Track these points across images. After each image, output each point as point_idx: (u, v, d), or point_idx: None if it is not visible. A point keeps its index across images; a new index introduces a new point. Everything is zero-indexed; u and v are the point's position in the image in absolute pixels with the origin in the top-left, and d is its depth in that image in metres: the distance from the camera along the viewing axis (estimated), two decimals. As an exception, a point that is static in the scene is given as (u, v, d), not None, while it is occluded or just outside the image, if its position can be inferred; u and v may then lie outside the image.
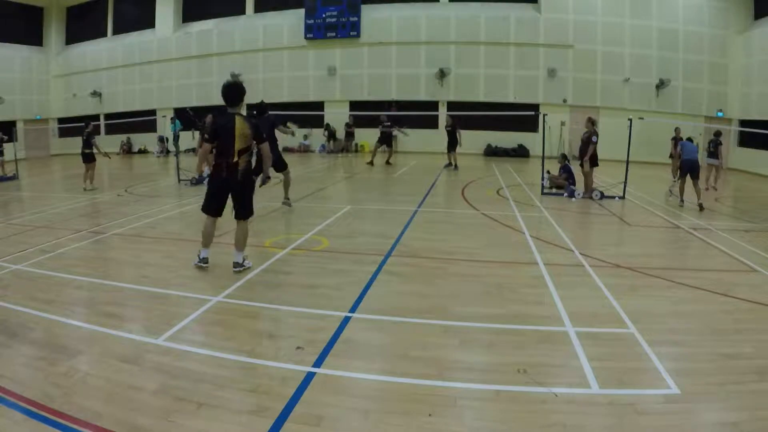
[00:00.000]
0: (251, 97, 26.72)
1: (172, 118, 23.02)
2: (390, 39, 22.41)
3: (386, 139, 17.08)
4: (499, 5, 21.69)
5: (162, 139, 21.16)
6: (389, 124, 17.11)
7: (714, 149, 12.67)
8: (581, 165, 10.75)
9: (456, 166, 16.06)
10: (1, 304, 4.40)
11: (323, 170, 16.98)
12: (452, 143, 16.17)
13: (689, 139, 10.93)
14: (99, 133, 11.28)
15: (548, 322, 4.13)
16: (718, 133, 12.82)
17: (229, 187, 5.27)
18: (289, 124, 9.20)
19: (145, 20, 25.36)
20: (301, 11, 22.95)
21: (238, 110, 5.33)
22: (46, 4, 26.33)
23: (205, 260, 5.43)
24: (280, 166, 8.69)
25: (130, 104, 25.79)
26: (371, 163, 16.93)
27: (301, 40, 23.13)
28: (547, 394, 3.02)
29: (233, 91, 5.30)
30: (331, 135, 23.49)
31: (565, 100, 21.31)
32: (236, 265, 5.34)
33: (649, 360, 3.44)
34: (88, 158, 11.58)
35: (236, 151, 5.16)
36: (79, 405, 2.85)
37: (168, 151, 23.27)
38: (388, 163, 17.34)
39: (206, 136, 5.40)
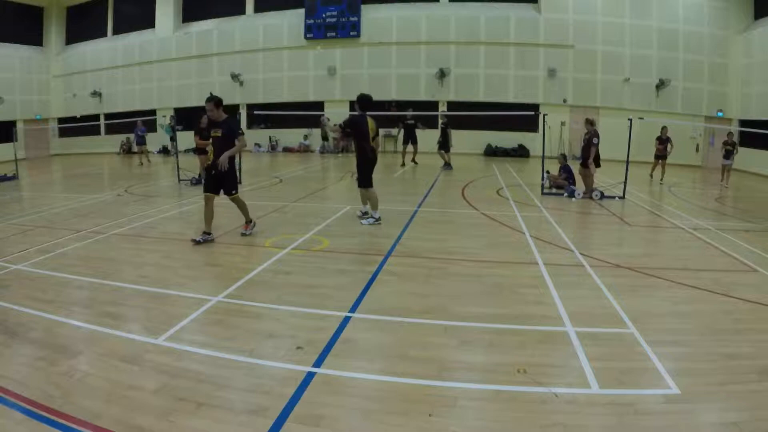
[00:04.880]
0: (252, 98, 26.69)
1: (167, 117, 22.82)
2: (390, 39, 22.40)
3: (411, 135, 16.64)
4: (499, 5, 21.68)
5: (140, 141, 19.89)
6: (413, 121, 16.67)
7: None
8: (585, 165, 10.70)
9: (449, 164, 16.12)
10: (1, 304, 4.41)
11: (323, 170, 16.98)
12: (446, 142, 16.14)
13: None
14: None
15: (548, 322, 4.13)
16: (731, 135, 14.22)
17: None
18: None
19: (145, 20, 25.33)
20: (301, 11, 22.94)
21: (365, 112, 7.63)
22: (46, 4, 26.31)
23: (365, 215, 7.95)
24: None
25: (130, 104, 25.77)
26: (403, 164, 16.71)
27: (301, 40, 23.12)
28: (547, 394, 3.02)
29: (362, 101, 7.68)
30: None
31: (565, 100, 21.30)
32: (360, 213, 8.08)
33: (649, 360, 3.44)
34: None
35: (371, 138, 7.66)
36: (79, 405, 2.85)
37: (167, 151, 23.24)
38: (414, 162, 16.87)
39: (342, 125, 7.91)
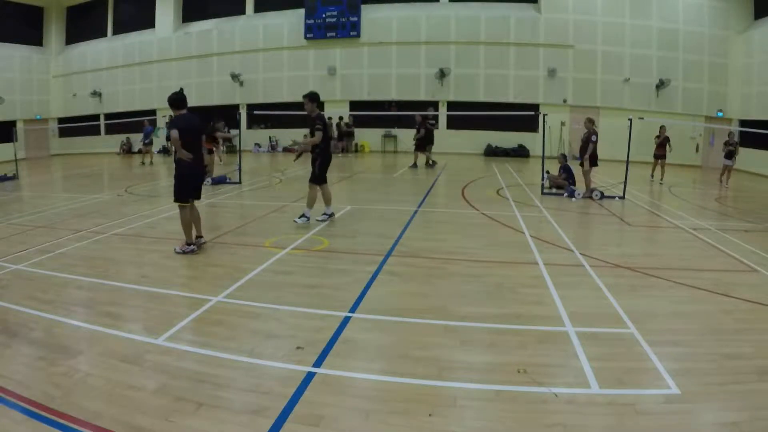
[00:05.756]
0: (252, 98, 26.72)
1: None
2: (390, 39, 22.40)
3: (431, 136, 16.05)
4: (499, 5, 21.68)
5: (148, 141, 20.00)
6: (434, 122, 15.98)
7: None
8: (581, 164, 10.76)
9: (414, 164, 16.02)
10: (1, 304, 4.41)
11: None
12: (428, 140, 16.00)
13: None
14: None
15: (548, 322, 4.13)
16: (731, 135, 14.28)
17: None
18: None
19: (145, 20, 25.34)
20: (301, 11, 22.94)
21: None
22: (46, 4, 26.31)
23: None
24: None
25: (130, 104, 25.77)
26: (433, 162, 16.48)
27: (301, 40, 23.12)
28: (547, 394, 3.02)
29: (318, 98, 7.48)
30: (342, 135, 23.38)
31: (565, 100, 21.30)
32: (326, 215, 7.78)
33: (649, 360, 3.44)
34: None
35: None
36: (79, 405, 2.85)
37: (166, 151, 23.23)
38: (429, 163, 16.29)
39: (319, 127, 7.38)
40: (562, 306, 4.42)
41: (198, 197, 6.38)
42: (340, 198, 10.86)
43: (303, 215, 7.60)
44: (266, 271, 5.42)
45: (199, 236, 6.36)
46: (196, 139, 6.23)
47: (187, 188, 6.20)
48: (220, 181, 12.43)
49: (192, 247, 6.13)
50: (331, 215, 7.88)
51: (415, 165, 16.14)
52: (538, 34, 21.19)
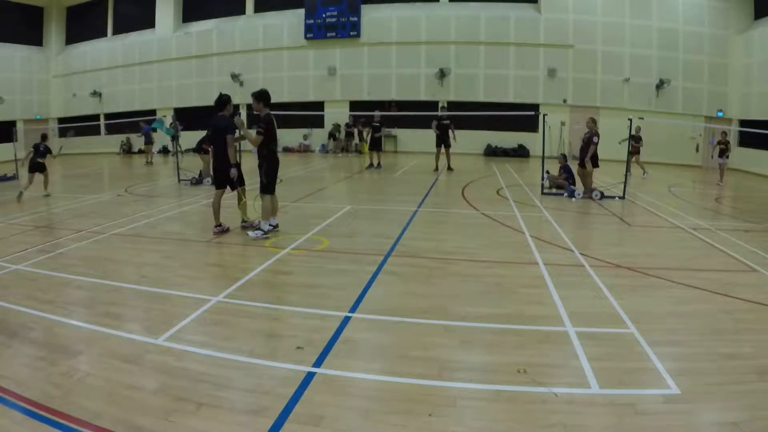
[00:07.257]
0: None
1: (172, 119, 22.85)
2: (390, 39, 22.41)
3: (445, 137, 15.12)
4: (499, 5, 21.68)
5: (148, 140, 19.62)
6: (448, 122, 15.28)
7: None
8: (582, 165, 10.71)
9: (378, 165, 16.03)
10: (1, 304, 4.41)
11: (323, 170, 16.98)
12: (379, 142, 16.08)
13: None
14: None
15: (548, 322, 4.13)
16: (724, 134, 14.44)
17: None
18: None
19: (145, 20, 25.34)
20: (301, 11, 22.95)
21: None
22: (46, 4, 26.32)
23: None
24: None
25: (130, 104, 25.77)
26: (436, 168, 15.48)
27: (301, 40, 23.13)
28: (547, 394, 3.02)
29: (267, 98, 6.99)
30: (331, 135, 23.50)
31: (565, 100, 21.30)
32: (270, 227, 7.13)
33: (649, 360, 3.44)
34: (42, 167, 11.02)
35: None
36: (79, 405, 2.85)
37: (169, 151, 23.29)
38: (450, 168, 15.27)
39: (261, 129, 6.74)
40: (562, 306, 4.42)
41: (225, 187, 7.24)
42: (340, 198, 10.88)
43: (258, 228, 6.87)
44: (266, 271, 5.42)
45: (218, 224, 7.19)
46: (216, 138, 7.12)
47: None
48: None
49: (219, 228, 7.13)
50: (275, 226, 7.07)
51: (371, 165, 16.08)
52: (538, 34, 21.18)
